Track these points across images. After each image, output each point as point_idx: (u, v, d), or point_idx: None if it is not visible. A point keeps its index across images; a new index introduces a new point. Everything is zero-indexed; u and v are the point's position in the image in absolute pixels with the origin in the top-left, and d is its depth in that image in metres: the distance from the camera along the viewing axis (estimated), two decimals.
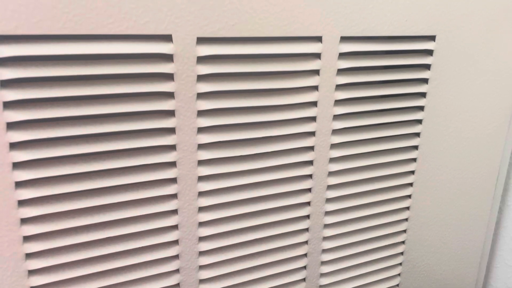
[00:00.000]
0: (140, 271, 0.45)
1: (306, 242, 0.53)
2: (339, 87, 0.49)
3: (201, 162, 0.45)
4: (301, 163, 0.50)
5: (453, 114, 0.57)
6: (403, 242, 0.60)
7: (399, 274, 0.62)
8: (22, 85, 0.37)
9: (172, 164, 0.44)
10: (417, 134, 0.56)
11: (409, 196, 0.58)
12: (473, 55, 0.55)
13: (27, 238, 0.40)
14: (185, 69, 0.41)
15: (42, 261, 0.41)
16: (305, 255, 0.54)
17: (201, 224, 0.47)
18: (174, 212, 0.45)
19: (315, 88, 0.48)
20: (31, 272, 0.41)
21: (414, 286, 0.64)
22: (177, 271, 0.47)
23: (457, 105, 0.57)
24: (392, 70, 0.52)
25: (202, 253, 0.48)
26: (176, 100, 0.42)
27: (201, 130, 0.44)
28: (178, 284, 0.48)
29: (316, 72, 0.47)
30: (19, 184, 0.38)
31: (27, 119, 0.37)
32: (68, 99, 0.39)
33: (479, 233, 0.67)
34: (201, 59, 0.42)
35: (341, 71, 0.49)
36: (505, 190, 0.69)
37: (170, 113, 0.42)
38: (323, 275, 0.56)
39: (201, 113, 0.43)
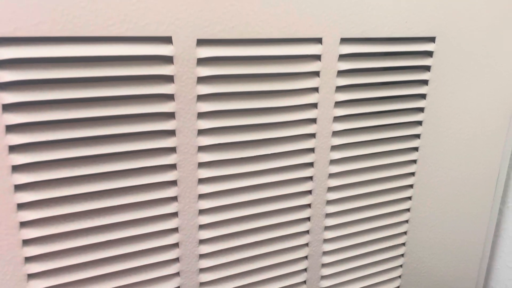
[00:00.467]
0: (140, 274, 0.45)
1: (306, 245, 0.53)
2: (339, 88, 0.49)
3: (201, 164, 0.45)
4: (301, 165, 0.50)
5: (453, 116, 0.57)
6: (403, 244, 0.60)
7: (399, 276, 0.62)
8: (22, 88, 0.36)
9: (172, 167, 0.43)
10: (417, 136, 0.56)
11: (409, 198, 0.58)
12: (473, 56, 0.55)
13: (26, 242, 0.40)
14: (185, 71, 0.41)
15: (41, 264, 0.40)
16: (306, 257, 0.54)
17: (202, 226, 0.46)
18: (174, 214, 0.45)
19: (315, 89, 0.48)
20: (31, 276, 0.40)
21: None
22: (177, 274, 0.47)
23: (457, 107, 0.57)
24: (392, 72, 0.52)
25: (202, 256, 0.48)
26: (176, 102, 0.41)
27: (201, 132, 0.44)
28: (178, 287, 0.47)
29: (316, 73, 0.47)
30: (18, 187, 0.38)
31: (27, 121, 0.37)
32: (67, 101, 0.39)
33: (480, 235, 0.66)
34: (201, 61, 0.42)
35: (341, 73, 0.49)
36: (505, 192, 0.69)
37: (170, 115, 0.42)
38: (324, 277, 0.56)
39: (201, 115, 0.43)
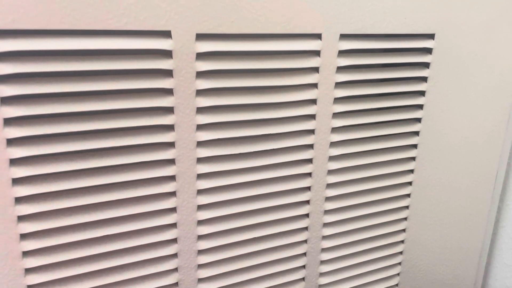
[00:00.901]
0: (138, 270, 0.45)
1: (305, 241, 0.53)
2: (339, 84, 0.49)
3: (200, 160, 0.45)
4: (300, 161, 0.50)
5: (452, 113, 0.57)
6: (402, 242, 0.60)
7: (398, 274, 0.62)
8: (20, 81, 0.36)
9: (171, 162, 0.43)
10: (416, 133, 0.56)
11: (408, 195, 0.58)
12: (472, 53, 0.55)
13: (24, 236, 0.39)
14: (184, 66, 0.41)
15: (39, 259, 0.40)
16: (304, 254, 0.54)
17: (200, 222, 0.46)
18: (173, 210, 0.45)
19: (315, 85, 0.48)
20: (28, 270, 0.40)
21: (413, 286, 0.64)
22: (175, 269, 0.47)
23: (456, 104, 0.57)
24: (391, 68, 0.52)
25: (200, 252, 0.47)
26: (175, 96, 0.41)
27: (200, 127, 0.44)
28: (176, 283, 0.47)
29: (315, 69, 0.47)
30: (16, 181, 0.38)
31: (25, 115, 0.36)
32: (66, 95, 0.39)
33: (478, 233, 0.66)
34: (200, 56, 0.42)
35: (340, 69, 0.48)
36: (503, 190, 0.69)
37: (169, 110, 0.42)
38: (322, 274, 0.56)
39: (200, 110, 0.43)
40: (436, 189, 0.60)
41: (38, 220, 0.39)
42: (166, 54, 0.40)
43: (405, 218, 0.59)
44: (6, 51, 0.35)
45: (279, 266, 0.52)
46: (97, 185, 0.42)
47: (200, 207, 0.46)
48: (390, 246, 0.60)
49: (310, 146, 0.50)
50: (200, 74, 0.42)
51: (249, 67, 0.44)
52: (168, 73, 0.41)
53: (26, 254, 0.40)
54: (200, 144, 0.44)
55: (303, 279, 0.55)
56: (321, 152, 0.50)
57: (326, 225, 0.54)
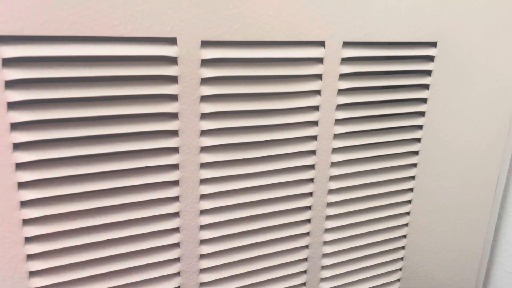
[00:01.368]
0: (141, 274, 0.45)
1: (307, 246, 0.53)
2: (341, 91, 0.49)
3: (203, 165, 0.45)
4: (302, 167, 0.50)
5: (454, 120, 0.57)
6: (403, 247, 0.61)
7: (398, 280, 0.62)
8: (27, 86, 0.37)
9: (175, 167, 0.44)
10: (418, 140, 0.56)
11: (409, 202, 0.58)
12: (474, 61, 0.56)
13: (28, 239, 0.40)
14: (189, 72, 0.41)
15: (43, 262, 0.40)
16: (306, 259, 0.54)
17: (203, 227, 0.47)
18: (176, 214, 0.45)
19: (318, 92, 0.48)
20: (32, 274, 0.41)
21: None
22: (178, 274, 0.47)
23: (457, 111, 0.57)
24: (394, 76, 0.52)
25: (203, 256, 0.48)
26: (179, 102, 0.42)
27: (204, 132, 0.44)
28: (179, 287, 0.47)
29: (318, 76, 0.48)
30: (22, 185, 0.38)
31: (31, 119, 0.37)
32: (72, 100, 0.39)
33: (479, 239, 0.67)
34: (205, 62, 0.42)
35: (343, 76, 0.49)
36: (504, 197, 0.69)
37: (173, 116, 0.42)
38: (323, 279, 0.56)
39: (204, 116, 0.44)
40: (437, 195, 0.60)
41: (43, 224, 0.40)
42: (171, 60, 0.41)
43: (406, 224, 0.59)
44: (15, 56, 0.35)
45: (281, 271, 0.53)
46: (102, 190, 0.42)
47: (203, 212, 0.46)
48: (391, 252, 0.60)
49: (313, 152, 0.50)
50: (205, 81, 0.43)
51: (253, 73, 0.44)
52: (173, 79, 0.41)
53: (30, 257, 0.40)
54: (203, 149, 0.44)
55: (304, 284, 0.55)
56: (323, 158, 0.50)
57: (327, 230, 0.54)
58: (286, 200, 0.50)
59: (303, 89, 0.47)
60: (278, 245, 0.51)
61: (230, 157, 0.45)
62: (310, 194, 0.51)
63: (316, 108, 0.49)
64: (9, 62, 0.36)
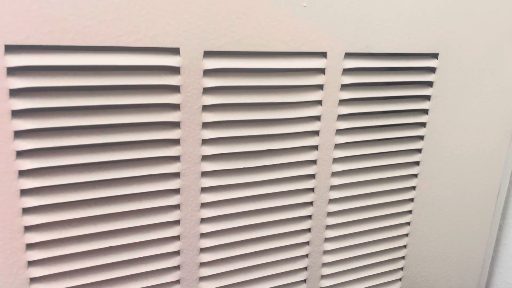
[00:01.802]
0: (141, 281, 0.45)
1: (306, 256, 0.53)
2: (342, 102, 0.50)
3: (204, 174, 0.45)
4: (303, 177, 0.50)
5: (455, 131, 0.57)
6: (403, 258, 0.61)
7: None
8: (31, 94, 0.37)
9: (176, 175, 0.44)
10: (419, 150, 0.56)
11: (410, 212, 0.59)
12: (475, 73, 0.56)
13: (29, 246, 0.40)
14: (191, 82, 0.42)
15: (43, 269, 0.41)
16: (305, 268, 0.54)
17: (203, 235, 0.47)
18: (176, 222, 0.45)
19: (319, 102, 0.48)
20: (33, 280, 0.41)
21: None
22: (177, 282, 0.47)
23: (458, 122, 0.57)
24: (395, 87, 0.53)
25: (202, 265, 0.48)
26: (181, 111, 0.42)
27: (205, 141, 0.44)
28: None
29: (320, 87, 0.48)
30: (24, 192, 0.39)
31: (35, 127, 0.37)
32: (75, 108, 0.40)
33: (479, 250, 0.67)
34: (207, 72, 0.42)
35: (344, 87, 0.49)
36: (505, 207, 0.69)
37: (175, 125, 0.43)
38: None
39: (206, 125, 0.44)
40: (438, 206, 0.60)
41: (44, 231, 0.40)
42: (174, 70, 0.41)
43: (406, 235, 0.59)
44: (19, 66, 0.36)
45: (280, 280, 0.53)
46: (103, 197, 0.42)
47: (203, 220, 0.47)
48: (391, 262, 0.60)
49: (313, 162, 0.50)
50: (207, 90, 0.43)
51: (255, 83, 0.44)
52: (175, 89, 0.42)
53: (31, 263, 0.40)
54: (204, 158, 0.45)
55: None
56: (324, 168, 0.51)
57: (327, 240, 0.54)
58: (287, 209, 0.50)
59: (304, 99, 0.47)
60: (278, 253, 0.51)
61: (231, 166, 0.46)
62: (311, 203, 0.52)
63: (317, 118, 0.49)
64: (14, 71, 0.36)
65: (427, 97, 0.54)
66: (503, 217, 0.70)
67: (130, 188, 0.42)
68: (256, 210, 0.49)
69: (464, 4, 0.53)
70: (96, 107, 0.41)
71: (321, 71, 0.47)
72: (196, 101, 0.42)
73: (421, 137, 0.56)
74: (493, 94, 0.58)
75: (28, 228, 0.40)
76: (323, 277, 0.55)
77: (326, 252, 0.55)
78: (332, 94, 0.48)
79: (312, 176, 0.51)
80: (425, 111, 0.55)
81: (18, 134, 0.37)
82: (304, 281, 0.54)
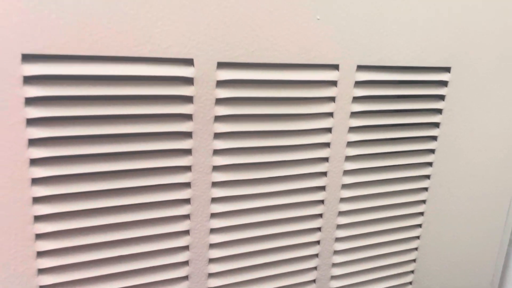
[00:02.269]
0: None
1: (315, 268, 0.53)
2: (354, 114, 0.50)
3: (215, 184, 0.45)
4: (313, 188, 0.50)
5: (466, 144, 0.57)
6: (412, 272, 0.60)
7: None
8: (46, 103, 0.37)
9: (187, 185, 0.44)
10: (430, 164, 0.56)
11: (419, 225, 0.58)
12: (487, 87, 0.56)
13: (40, 254, 0.40)
14: (204, 92, 0.42)
15: (54, 277, 0.41)
16: (314, 281, 0.54)
17: (212, 245, 0.47)
18: (186, 232, 0.45)
19: (330, 114, 0.48)
20: None
21: None
22: None
23: (470, 136, 0.57)
24: (407, 100, 0.52)
25: (211, 275, 0.48)
26: (194, 122, 0.42)
27: (216, 152, 0.44)
28: None
29: (332, 99, 0.48)
30: (36, 200, 0.39)
31: (49, 136, 0.38)
32: (89, 117, 0.40)
33: (489, 266, 0.66)
34: (220, 83, 0.43)
35: (356, 99, 0.49)
36: None
37: (188, 135, 0.43)
38: None
39: (218, 136, 0.44)
40: (448, 220, 0.60)
41: (55, 239, 0.40)
42: (188, 81, 0.41)
43: (416, 248, 0.59)
44: (36, 75, 0.36)
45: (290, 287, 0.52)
46: (114, 206, 0.42)
47: (213, 231, 0.46)
48: (400, 276, 0.59)
49: (324, 174, 0.50)
50: (219, 101, 0.43)
51: (267, 95, 0.45)
52: (188, 99, 0.42)
53: (41, 271, 0.40)
54: (215, 168, 0.45)
55: None
56: (334, 180, 0.50)
57: (336, 252, 0.54)
58: (296, 221, 0.50)
59: (316, 111, 0.47)
60: (287, 265, 0.51)
61: (242, 176, 0.46)
62: (320, 215, 0.51)
63: (328, 130, 0.49)
64: (30, 80, 0.36)
65: (439, 111, 0.54)
66: None
67: (141, 197, 0.42)
68: (265, 221, 0.49)
69: (477, 19, 0.53)
70: (110, 116, 0.42)
71: (333, 83, 0.47)
72: (208, 112, 0.42)
73: (432, 151, 0.56)
74: (504, 107, 0.58)
75: (39, 236, 0.40)
76: (333, 277, 0.55)
77: (335, 265, 0.54)
78: (343, 107, 0.48)
79: (323, 188, 0.50)
80: (436, 125, 0.55)
81: (32, 142, 0.38)
82: (314, 281, 0.54)
